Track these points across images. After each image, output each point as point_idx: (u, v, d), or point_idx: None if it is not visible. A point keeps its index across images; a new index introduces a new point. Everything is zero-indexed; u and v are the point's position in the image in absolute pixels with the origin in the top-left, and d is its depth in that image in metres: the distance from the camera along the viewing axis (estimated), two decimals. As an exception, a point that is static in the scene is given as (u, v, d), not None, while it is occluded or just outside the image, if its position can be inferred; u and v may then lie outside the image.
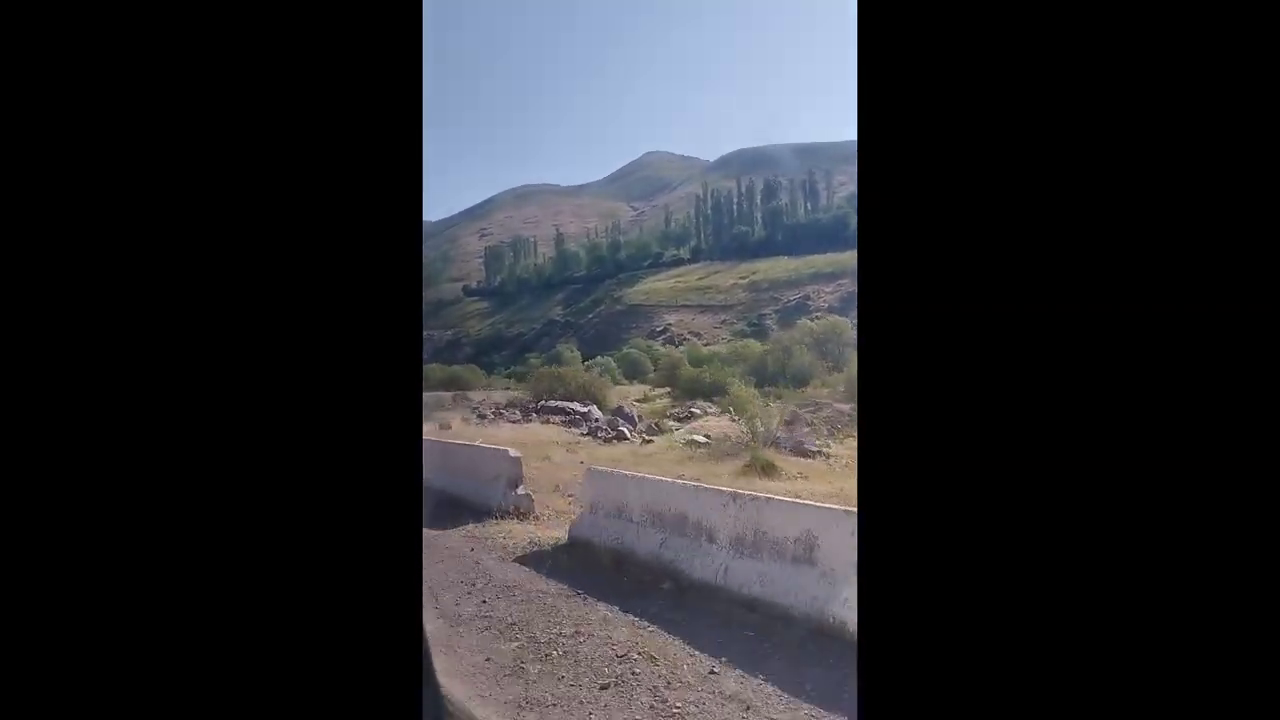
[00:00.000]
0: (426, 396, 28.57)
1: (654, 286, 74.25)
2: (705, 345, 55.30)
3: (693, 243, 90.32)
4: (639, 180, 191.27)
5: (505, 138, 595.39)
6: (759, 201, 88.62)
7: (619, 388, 35.90)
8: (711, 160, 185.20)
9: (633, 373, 42.51)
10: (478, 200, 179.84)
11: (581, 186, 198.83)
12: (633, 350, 49.28)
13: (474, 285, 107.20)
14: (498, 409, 24.13)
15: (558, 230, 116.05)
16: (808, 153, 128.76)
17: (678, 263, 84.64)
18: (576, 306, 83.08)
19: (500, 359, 63.01)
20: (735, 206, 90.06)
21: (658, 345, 53.47)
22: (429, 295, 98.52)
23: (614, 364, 43.51)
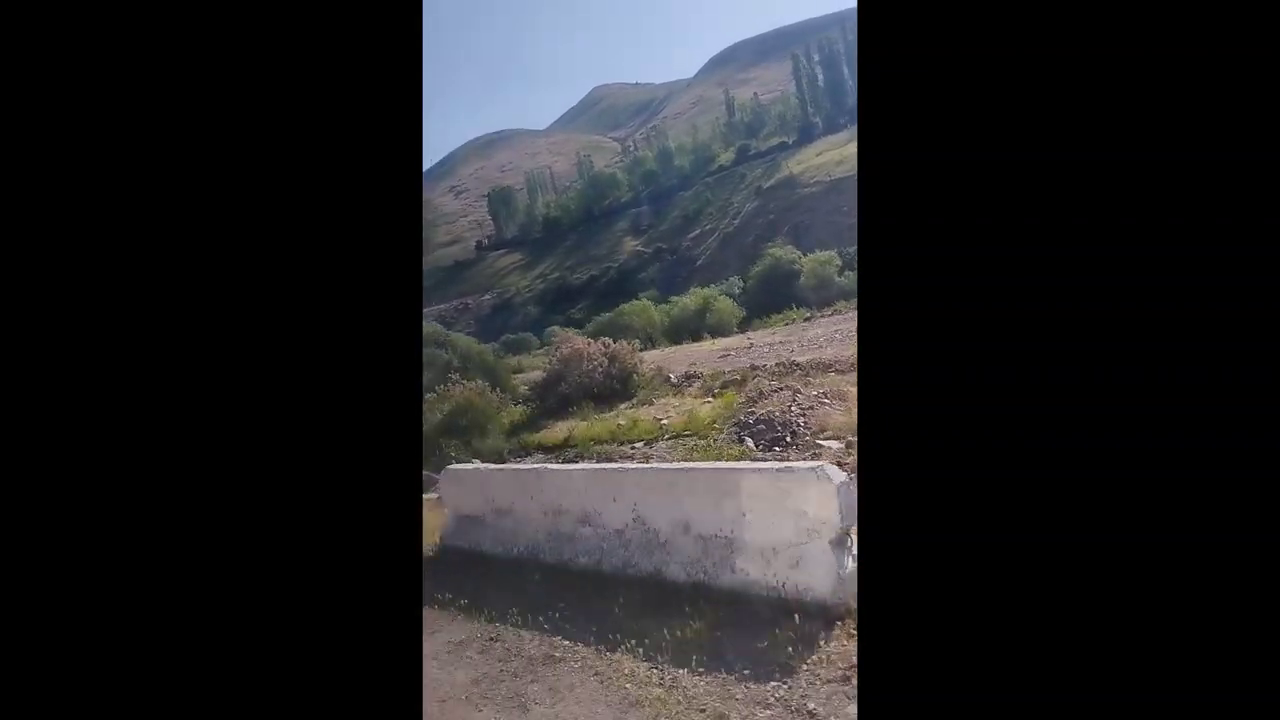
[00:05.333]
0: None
1: (833, 157, 51.09)
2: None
3: (771, 127, 68.01)
4: (601, 114, 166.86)
5: (443, 90, 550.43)
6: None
7: None
8: (691, 75, 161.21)
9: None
10: (432, 161, 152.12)
11: (548, 128, 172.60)
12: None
13: (486, 240, 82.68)
14: None
15: (579, 156, 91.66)
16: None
17: (780, 149, 62.18)
18: (659, 229, 60.59)
19: (581, 311, 42.87)
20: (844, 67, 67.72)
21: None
22: (430, 263, 75.08)
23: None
